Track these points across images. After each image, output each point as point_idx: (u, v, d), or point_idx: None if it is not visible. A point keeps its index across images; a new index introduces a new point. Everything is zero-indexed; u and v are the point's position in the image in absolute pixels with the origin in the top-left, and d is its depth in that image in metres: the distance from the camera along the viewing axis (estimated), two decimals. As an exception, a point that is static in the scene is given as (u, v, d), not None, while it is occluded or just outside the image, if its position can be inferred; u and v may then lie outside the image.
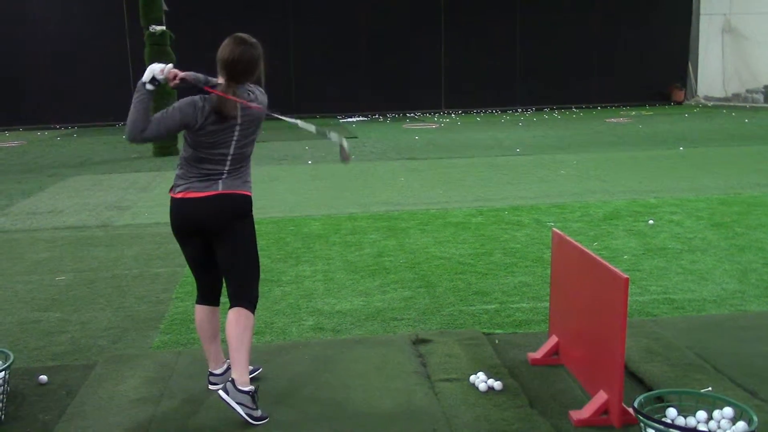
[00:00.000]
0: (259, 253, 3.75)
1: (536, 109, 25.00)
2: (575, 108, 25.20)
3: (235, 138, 3.53)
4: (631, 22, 25.68)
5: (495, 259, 6.22)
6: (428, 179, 10.65)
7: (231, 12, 23.61)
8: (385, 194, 9.49)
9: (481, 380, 3.69)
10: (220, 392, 3.42)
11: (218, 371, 3.83)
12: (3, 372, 3.47)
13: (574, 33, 25.43)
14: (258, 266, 3.72)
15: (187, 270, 6.05)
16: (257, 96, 3.59)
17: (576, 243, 3.73)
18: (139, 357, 4.26)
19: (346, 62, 24.42)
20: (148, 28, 14.09)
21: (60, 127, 23.22)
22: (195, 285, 3.89)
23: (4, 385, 3.51)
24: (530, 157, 12.71)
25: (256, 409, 3.43)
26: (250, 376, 3.64)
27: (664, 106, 25.42)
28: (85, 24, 23.38)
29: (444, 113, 24.85)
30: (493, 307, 5.03)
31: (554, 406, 3.56)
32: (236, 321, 3.55)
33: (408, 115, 24.45)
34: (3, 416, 3.54)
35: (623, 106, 25.35)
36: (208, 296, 3.81)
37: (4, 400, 3.54)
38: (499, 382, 3.68)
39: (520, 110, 24.95)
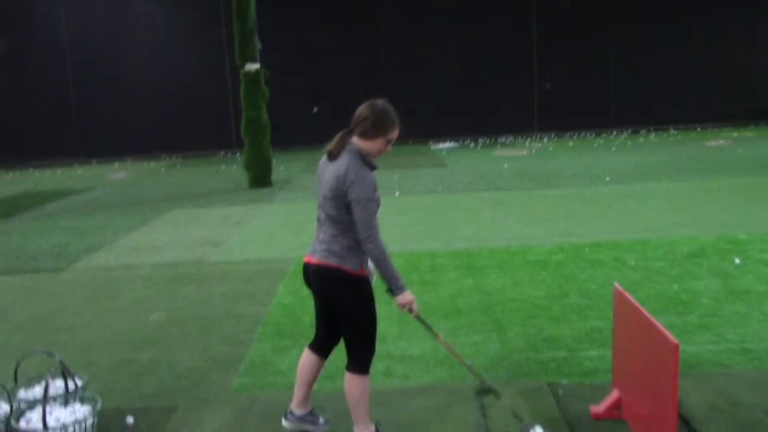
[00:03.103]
0: (373, 317, 3.73)
1: (632, 131, 24.49)
2: (673, 129, 24.53)
3: (321, 184, 3.68)
4: (734, 38, 24.87)
5: (570, 301, 6.23)
6: (513, 213, 10.68)
7: (323, 43, 24.32)
8: (468, 229, 9.58)
9: (537, 434, 3.76)
10: None
11: (297, 413, 4.03)
12: (92, 418, 3.81)
13: (672, 50, 24.81)
14: (367, 331, 3.71)
15: (270, 310, 6.40)
16: (347, 167, 3.54)
17: (634, 301, 3.76)
18: (218, 401, 4.53)
19: (437, 86, 24.69)
20: (243, 67, 14.74)
21: (165, 157, 24.45)
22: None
23: (92, 430, 3.84)
24: (619, 187, 12.52)
25: None
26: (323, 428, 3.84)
27: (770, 126, 24.43)
28: (190, 60, 24.63)
29: (536, 137, 24.69)
30: (562, 354, 5.07)
31: (611, 464, 3.59)
32: (348, 386, 3.74)
33: (499, 140, 24.43)
34: (92, 458, 3.87)
35: (725, 127, 24.51)
36: (318, 346, 3.97)
37: (94, 443, 3.87)
38: (556, 438, 3.74)
39: (615, 133, 24.50)
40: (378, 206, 3.60)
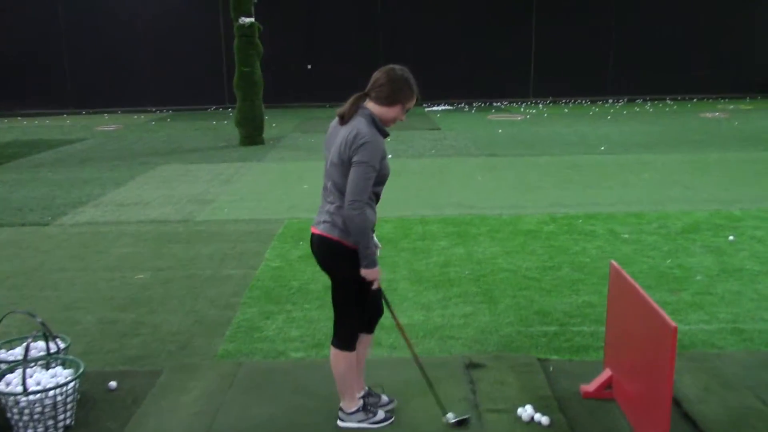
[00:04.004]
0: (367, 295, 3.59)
1: (628, 100, 24.32)
2: (669, 100, 24.36)
3: (330, 148, 3.48)
4: (733, 9, 24.58)
5: (562, 274, 6.16)
6: (505, 179, 10.57)
7: (319, 1, 23.91)
8: (460, 195, 9.48)
9: (528, 414, 3.71)
10: (338, 423, 3.74)
11: (356, 395, 3.82)
12: (73, 382, 3.72)
13: (672, 18, 24.49)
14: (353, 310, 3.61)
15: (258, 273, 6.30)
16: (357, 129, 3.37)
17: (631, 280, 3.67)
18: (202, 367, 4.45)
19: (433, 48, 24.32)
20: (238, 20, 14.43)
21: (155, 110, 24.11)
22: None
23: (74, 394, 3.76)
24: (614, 157, 12.42)
25: (373, 416, 3.74)
26: (388, 407, 3.80)
27: (767, 99, 24.27)
28: (184, 13, 24.15)
29: (531, 102, 24.49)
30: (552, 329, 5.00)
31: (601, 445, 3.54)
32: (334, 362, 3.67)
33: (494, 104, 24.21)
34: (73, 422, 3.79)
35: (722, 99, 24.36)
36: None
37: (74, 407, 3.79)
38: (546, 417, 3.68)
39: (610, 101, 24.33)
40: (385, 177, 3.46)
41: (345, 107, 3.49)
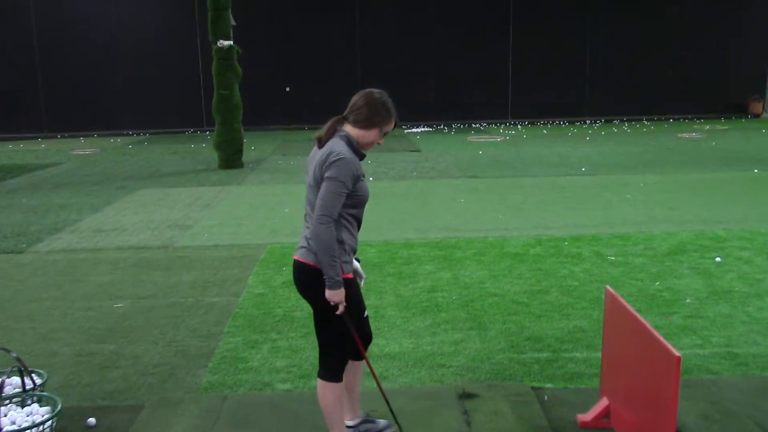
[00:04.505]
0: (347, 324, 3.43)
1: (605, 121, 24.50)
2: (646, 120, 24.57)
3: (309, 173, 3.44)
4: (707, 30, 24.93)
5: (551, 298, 6.07)
6: (489, 201, 10.51)
7: (297, 21, 23.88)
8: (444, 218, 9.39)
9: (525, 446, 3.59)
10: None
11: (350, 423, 3.79)
12: (50, 421, 3.55)
13: (647, 41, 24.81)
14: (337, 339, 3.48)
15: (241, 301, 6.14)
16: (331, 148, 3.33)
17: (630, 308, 3.58)
18: (185, 401, 4.28)
19: (411, 70, 24.39)
20: (216, 43, 14.34)
21: (133, 134, 23.88)
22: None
23: (51, 433, 3.59)
24: (595, 178, 12.42)
25: None
26: None
27: (741, 119, 24.59)
28: (161, 35, 23.99)
29: (510, 124, 24.58)
30: (545, 356, 4.90)
31: (601, 478, 3.43)
32: (321, 394, 3.54)
33: (473, 125, 24.26)
34: (50, 463, 3.61)
35: (697, 119, 24.63)
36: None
37: (52, 447, 3.62)
38: (544, 450, 3.57)
39: (588, 122, 24.49)
40: (363, 199, 3.39)
41: (322, 130, 3.45)
